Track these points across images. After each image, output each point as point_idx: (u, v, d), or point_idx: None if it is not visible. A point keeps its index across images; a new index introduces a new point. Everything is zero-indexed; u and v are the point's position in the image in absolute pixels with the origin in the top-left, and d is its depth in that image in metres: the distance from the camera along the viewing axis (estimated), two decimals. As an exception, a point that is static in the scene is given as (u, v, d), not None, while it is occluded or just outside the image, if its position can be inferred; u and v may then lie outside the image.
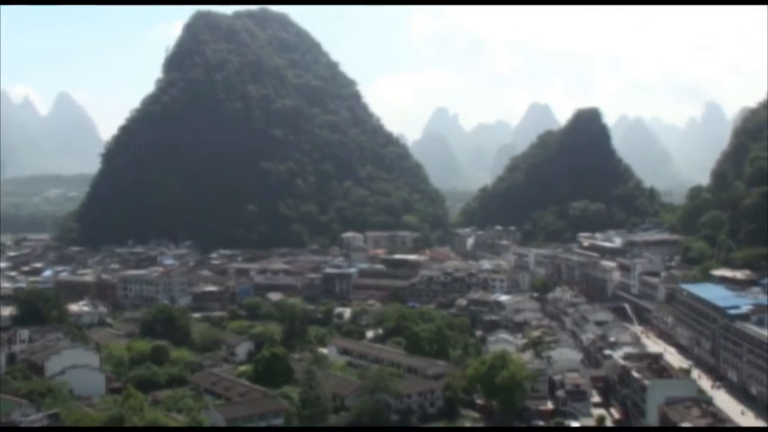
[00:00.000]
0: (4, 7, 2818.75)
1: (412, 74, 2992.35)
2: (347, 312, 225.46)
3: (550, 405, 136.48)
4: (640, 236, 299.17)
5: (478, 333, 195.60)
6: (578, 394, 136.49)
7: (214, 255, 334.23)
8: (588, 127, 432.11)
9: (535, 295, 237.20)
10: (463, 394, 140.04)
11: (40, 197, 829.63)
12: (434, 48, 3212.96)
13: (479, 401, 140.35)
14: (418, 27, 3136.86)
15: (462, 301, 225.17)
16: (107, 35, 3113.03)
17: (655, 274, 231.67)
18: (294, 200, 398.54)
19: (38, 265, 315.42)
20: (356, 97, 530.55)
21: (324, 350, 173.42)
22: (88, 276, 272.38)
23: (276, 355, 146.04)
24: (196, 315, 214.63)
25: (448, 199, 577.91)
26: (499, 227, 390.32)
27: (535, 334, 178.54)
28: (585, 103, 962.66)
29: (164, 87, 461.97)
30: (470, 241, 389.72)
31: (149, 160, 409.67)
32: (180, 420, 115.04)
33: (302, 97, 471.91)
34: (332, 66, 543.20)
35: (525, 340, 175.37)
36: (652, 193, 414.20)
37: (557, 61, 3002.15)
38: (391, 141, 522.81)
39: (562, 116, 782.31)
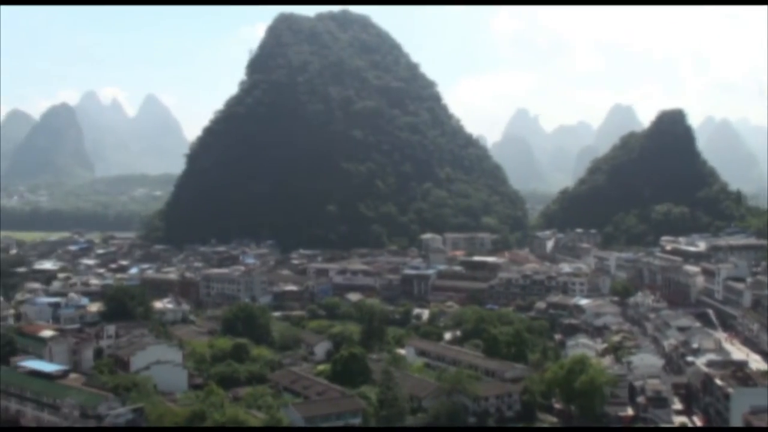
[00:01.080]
0: (96, 12, 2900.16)
1: (493, 75, 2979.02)
2: (425, 313, 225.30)
3: (630, 411, 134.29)
4: (725, 240, 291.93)
5: (557, 337, 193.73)
6: (659, 401, 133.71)
7: (294, 255, 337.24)
8: (672, 128, 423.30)
9: (616, 299, 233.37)
10: (541, 399, 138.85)
11: (127, 196, 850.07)
12: (516, 48, 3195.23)
13: (557, 406, 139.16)
14: (499, 27, 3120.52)
15: (541, 305, 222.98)
16: (193, 38, 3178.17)
17: (740, 279, 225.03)
18: (373, 201, 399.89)
19: (125, 262, 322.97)
20: (436, 98, 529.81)
21: (402, 351, 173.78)
22: (172, 274, 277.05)
23: (354, 355, 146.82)
24: (276, 314, 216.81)
25: (528, 201, 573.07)
26: (579, 230, 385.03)
27: (616, 338, 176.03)
28: (669, 105, 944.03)
29: (247, 89, 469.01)
30: (550, 244, 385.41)
31: (232, 160, 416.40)
32: (259, 417, 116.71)
33: (383, 99, 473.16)
34: (413, 67, 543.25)
35: (605, 345, 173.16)
36: (738, 197, 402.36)
37: (641, 61, 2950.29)
38: (470, 142, 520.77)
39: (646, 118, 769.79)
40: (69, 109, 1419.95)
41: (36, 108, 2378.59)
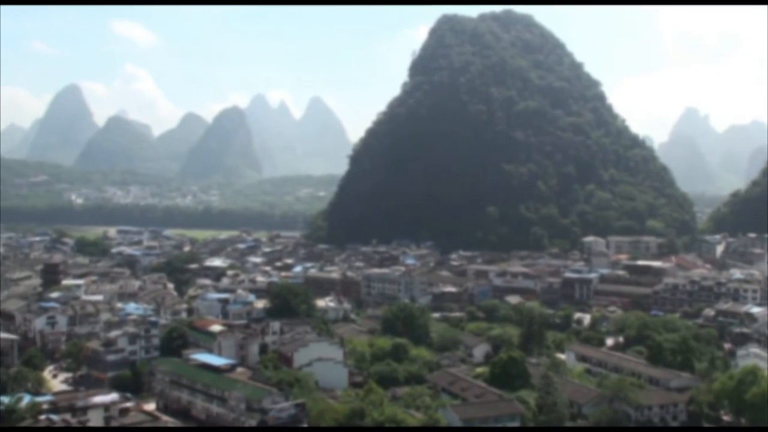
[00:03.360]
0: (265, 17, 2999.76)
1: (660, 74, 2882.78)
2: (586, 318, 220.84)
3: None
4: None
5: (727, 346, 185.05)
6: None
7: (453, 256, 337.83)
8: None
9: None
10: (709, 410, 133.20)
11: (292, 197, 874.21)
12: (683, 47, 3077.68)
13: (726, 418, 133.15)
14: (666, 26, 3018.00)
15: (709, 312, 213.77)
16: (357, 41, 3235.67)
17: None
18: (534, 203, 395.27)
19: (289, 261, 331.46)
20: (600, 98, 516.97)
21: (562, 356, 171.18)
22: (334, 273, 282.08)
23: (513, 358, 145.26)
24: (435, 315, 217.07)
25: (696, 204, 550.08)
26: (752, 234, 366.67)
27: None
28: None
29: (410, 90, 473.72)
30: (720, 249, 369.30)
31: (394, 161, 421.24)
32: (417, 417, 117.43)
33: (545, 99, 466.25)
34: (576, 67, 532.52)
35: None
36: None
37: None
38: (636, 143, 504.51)
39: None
40: (239, 112, 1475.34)
41: (208, 111, 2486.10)
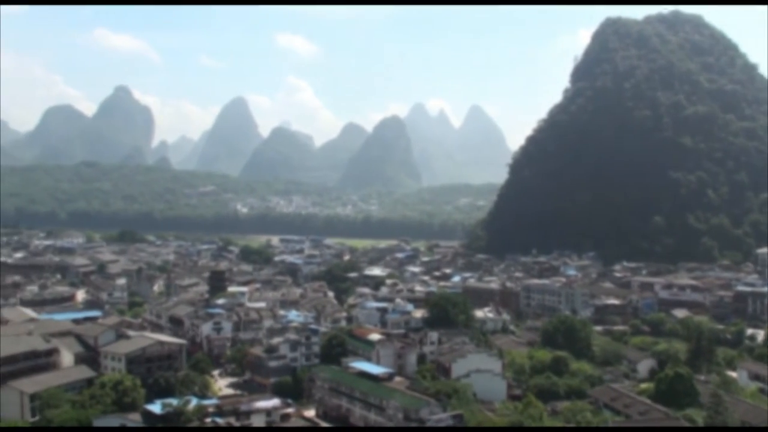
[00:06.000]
0: (422, 27, 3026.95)
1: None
2: (760, 334, 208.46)
3: None
4: None
5: None
6: None
7: (616, 267, 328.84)
8: None
9: None
10: None
11: (452, 206, 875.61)
12: None
13: None
14: None
15: None
16: (516, 48, 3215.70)
17: None
18: (704, 212, 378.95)
19: (448, 270, 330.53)
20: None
21: (732, 374, 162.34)
22: (493, 283, 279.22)
23: (680, 374, 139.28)
24: (597, 328, 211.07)
25: None
26: None
27: None
28: None
29: (571, 96, 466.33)
30: None
31: (555, 170, 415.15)
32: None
33: (715, 103, 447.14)
34: (750, 68, 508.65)
35: None
36: None
37: None
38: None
39: None
40: (399, 121, 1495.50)
41: (368, 120, 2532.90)
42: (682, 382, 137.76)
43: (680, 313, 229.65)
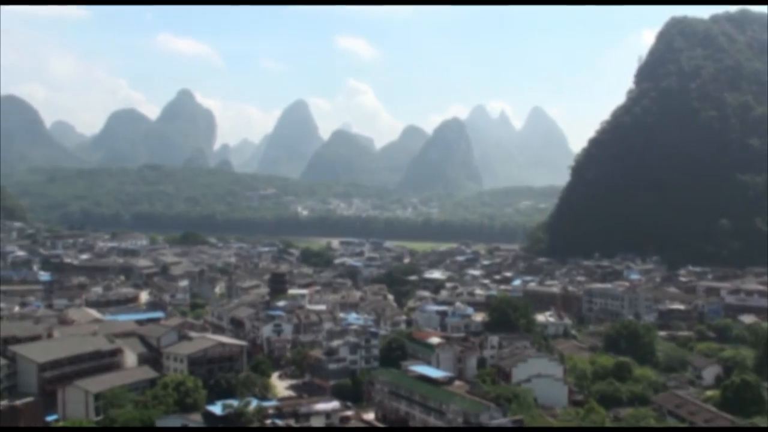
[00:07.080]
0: (478, 26, 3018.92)
1: None
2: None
3: None
4: None
5: None
6: None
7: (681, 271, 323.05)
8: None
9: None
10: None
11: (512, 208, 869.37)
12: None
13: None
14: None
15: None
16: (577, 48, 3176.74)
17: None
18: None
19: (508, 274, 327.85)
20: None
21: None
22: (554, 287, 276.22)
23: (747, 382, 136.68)
24: (661, 333, 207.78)
25: None
26: None
27: None
28: None
29: (635, 97, 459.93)
30: None
31: (618, 172, 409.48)
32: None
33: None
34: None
35: None
36: None
37: None
38: None
39: None
40: (459, 123, 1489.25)
41: (428, 123, 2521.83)
42: (750, 389, 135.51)
43: (747, 318, 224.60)
